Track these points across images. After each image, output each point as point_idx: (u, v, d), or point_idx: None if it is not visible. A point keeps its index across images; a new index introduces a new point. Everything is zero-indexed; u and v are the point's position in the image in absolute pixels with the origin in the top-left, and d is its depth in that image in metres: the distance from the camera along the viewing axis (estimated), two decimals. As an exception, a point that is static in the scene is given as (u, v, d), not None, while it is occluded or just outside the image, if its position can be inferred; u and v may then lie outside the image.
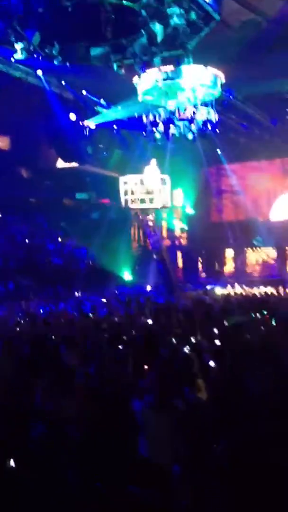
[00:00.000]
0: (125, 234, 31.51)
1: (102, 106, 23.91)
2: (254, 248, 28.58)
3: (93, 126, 25.09)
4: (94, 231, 26.84)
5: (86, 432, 4.70)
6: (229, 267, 29.67)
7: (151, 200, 19.36)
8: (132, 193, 19.21)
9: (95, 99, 23.37)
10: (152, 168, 19.33)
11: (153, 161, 19.49)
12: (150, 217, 20.71)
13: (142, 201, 19.35)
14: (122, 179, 19.62)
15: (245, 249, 28.86)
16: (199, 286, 24.44)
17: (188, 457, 4.50)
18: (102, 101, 23.70)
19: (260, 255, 28.61)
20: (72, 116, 23.61)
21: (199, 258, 30.30)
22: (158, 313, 12.34)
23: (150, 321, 11.09)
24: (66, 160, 28.57)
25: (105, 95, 23.26)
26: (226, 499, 2.93)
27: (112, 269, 26.56)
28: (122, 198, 19.84)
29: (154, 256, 21.41)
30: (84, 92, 22.72)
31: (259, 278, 26.14)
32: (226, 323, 9.61)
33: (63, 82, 21.46)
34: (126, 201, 19.65)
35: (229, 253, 29.65)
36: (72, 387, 5.73)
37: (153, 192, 19.24)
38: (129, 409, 4.94)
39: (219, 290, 20.12)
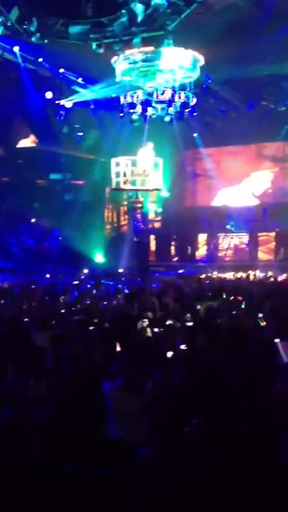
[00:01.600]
0: (99, 216, 31.40)
1: (79, 85, 23.59)
2: (227, 233, 28.74)
3: (69, 105, 24.77)
4: (67, 212, 26.65)
5: (55, 414, 4.68)
6: (201, 251, 29.80)
7: (143, 182, 19.44)
8: (125, 174, 19.28)
9: (72, 77, 23.04)
10: (147, 151, 19.43)
11: (150, 144, 19.60)
12: (140, 199, 20.79)
13: (134, 183, 19.46)
14: (114, 160, 19.73)
15: (218, 234, 29.00)
16: (171, 270, 24.54)
17: (158, 438, 4.52)
18: (79, 80, 23.37)
19: (232, 240, 28.80)
20: (49, 95, 23.25)
21: (172, 242, 30.35)
22: (130, 296, 12.34)
23: (122, 304, 11.09)
24: (41, 139, 28.21)
25: (83, 74, 22.95)
26: (195, 479, 2.95)
27: (84, 251, 26.48)
28: (113, 180, 19.91)
29: (135, 239, 21.50)
30: (61, 70, 22.36)
31: (231, 263, 26.34)
32: (198, 307, 9.66)
33: (40, 60, 21.07)
34: (117, 182, 19.71)
35: (202, 237, 29.77)
36: (42, 369, 5.70)
37: (146, 174, 19.35)
38: (99, 391, 4.93)
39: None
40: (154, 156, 19.96)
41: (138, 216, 21.53)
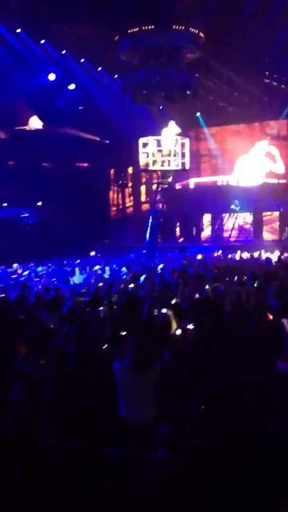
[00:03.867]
0: (104, 198, 31.46)
1: (82, 66, 23.52)
2: (231, 213, 28.65)
3: (72, 87, 24.72)
4: (72, 195, 26.69)
5: (64, 392, 4.79)
6: (206, 232, 29.80)
7: (169, 163, 19.07)
8: (153, 155, 18.90)
9: (75, 59, 22.97)
10: (170, 130, 18.96)
11: (171, 123, 19.08)
12: (169, 179, 20.37)
13: (161, 163, 19.10)
14: (141, 141, 19.31)
15: (223, 214, 28.94)
16: (177, 250, 24.62)
17: (165, 415, 4.64)
18: (82, 61, 23.30)
19: (237, 220, 28.73)
20: (52, 76, 23.18)
21: (177, 223, 30.34)
22: (137, 277, 12.46)
23: (131, 285, 11.19)
24: (45, 121, 28.15)
25: (86, 55, 22.81)
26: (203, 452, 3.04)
27: (90, 233, 26.56)
28: (143, 160, 19.52)
29: (157, 220, 21.30)
30: (63, 52, 22.28)
31: (236, 243, 26.38)
32: (206, 287, 9.74)
33: (42, 41, 21.02)
34: (146, 163, 19.33)
35: (207, 218, 29.73)
36: (51, 348, 5.82)
37: (173, 154, 18.95)
38: (108, 371, 5.05)
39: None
40: (179, 135, 19.43)
41: (159, 197, 21.23)
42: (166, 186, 20.82)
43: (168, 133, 18.97)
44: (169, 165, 19.25)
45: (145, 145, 19.24)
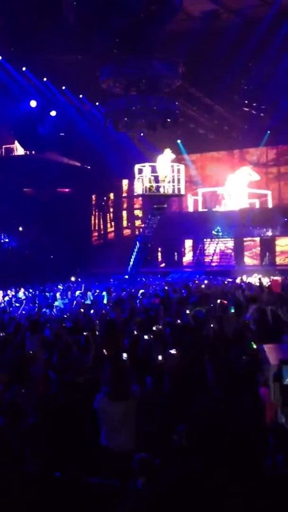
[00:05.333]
0: (85, 224, 31.47)
1: (63, 93, 23.72)
2: (212, 239, 28.78)
3: (53, 114, 24.89)
4: (54, 220, 26.65)
5: (46, 421, 4.72)
6: (188, 257, 29.88)
7: (164, 188, 19.25)
8: (149, 181, 19.11)
9: (56, 86, 23.15)
10: (165, 157, 19.19)
11: (167, 150, 19.33)
12: (164, 206, 20.47)
13: (155, 188, 19.25)
14: (137, 167, 19.54)
15: (204, 239, 29.06)
16: (159, 275, 24.62)
17: (145, 443, 4.59)
18: (63, 89, 23.50)
19: (218, 246, 28.84)
20: (33, 103, 23.33)
21: (159, 248, 30.37)
22: (119, 303, 12.41)
23: (113, 311, 11.14)
24: (26, 147, 28.23)
25: (67, 83, 23.01)
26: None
27: (71, 259, 26.47)
28: (136, 185, 19.78)
29: (149, 245, 21.42)
30: (45, 79, 22.46)
31: (218, 268, 26.47)
32: (187, 312, 9.74)
33: (24, 69, 21.18)
34: (141, 188, 19.54)
35: (188, 243, 29.85)
36: (32, 376, 5.75)
37: (168, 180, 19.17)
38: (90, 398, 4.99)
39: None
40: (173, 161, 19.63)
41: (151, 222, 21.34)
42: (160, 211, 20.91)
43: (163, 159, 19.22)
44: (164, 191, 19.44)
45: (140, 171, 19.45)
